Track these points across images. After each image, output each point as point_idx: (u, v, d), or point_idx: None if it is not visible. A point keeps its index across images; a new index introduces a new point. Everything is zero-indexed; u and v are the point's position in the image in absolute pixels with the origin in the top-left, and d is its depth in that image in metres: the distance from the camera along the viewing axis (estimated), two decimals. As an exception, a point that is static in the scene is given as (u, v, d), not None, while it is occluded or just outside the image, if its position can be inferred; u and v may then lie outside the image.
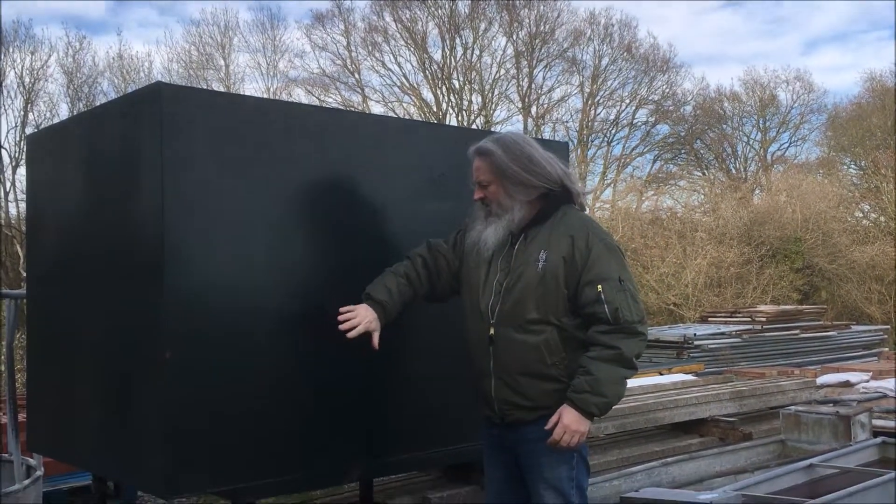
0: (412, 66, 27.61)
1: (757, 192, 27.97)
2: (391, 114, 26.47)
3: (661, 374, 8.31)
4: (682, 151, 29.57)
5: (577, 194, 2.77)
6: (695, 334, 10.53)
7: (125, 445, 2.86)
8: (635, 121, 28.42)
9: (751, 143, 30.42)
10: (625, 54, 27.99)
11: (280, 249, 2.89)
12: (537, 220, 2.70)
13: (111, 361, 2.95)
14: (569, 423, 2.54)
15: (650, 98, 28.43)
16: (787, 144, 30.44)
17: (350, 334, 2.70)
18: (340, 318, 2.72)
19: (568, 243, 2.63)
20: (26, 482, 4.06)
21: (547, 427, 2.56)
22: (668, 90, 28.68)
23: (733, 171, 29.80)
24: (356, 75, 27.80)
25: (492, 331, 2.68)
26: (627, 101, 28.21)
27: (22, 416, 4.24)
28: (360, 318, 2.72)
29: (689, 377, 7.69)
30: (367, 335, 2.73)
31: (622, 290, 2.59)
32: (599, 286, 2.58)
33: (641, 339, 2.59)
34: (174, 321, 2.63)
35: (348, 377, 3.03)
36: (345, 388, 3.02)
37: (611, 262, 2.63)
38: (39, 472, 4.29)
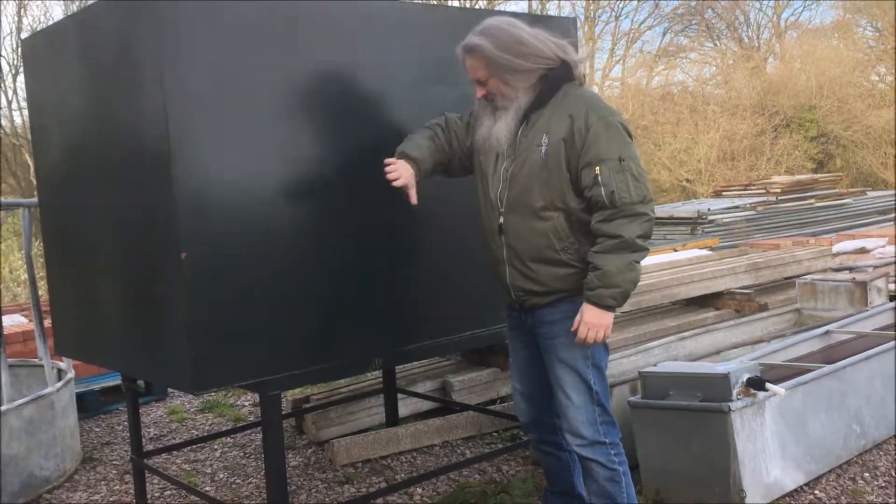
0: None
1: (770, 60, 27.26)
2: (391, -2, 25.69)
3: (676, 251, 8.34)
4: (693, 22, 28.67)
5: (575, 64, 2.66)
6: (709, 209, 10.50)
7: (150, 345, 2.91)
8: (643, -8, 27.46)
9: (763, 9, 29.45)
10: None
11: (289, 140, 2.85)
12: (538, 103, 2.63)
13: (129, 263, 2.96)
14: (590, 319, 2.55)
15: (659, -33, 27.36)
16: (800, 8, 29.50)
17: (395, 184, 2.70)
18: (387, 169, 2.71)
19: (567, 124, 2.57)
20: (58, 385, 4.19)
21: (573, 329, 2.58)
22: (677, -42, 27.56)
23: (745, 40, 28.96)
24: (353, -41, 26.85)
25: (501, 219, 2.67)
26: (635, -29, 27.18)
27: (47, 322, 4.32)
28: (401, 171, 2.71)
29: (704, 252, 7.71)
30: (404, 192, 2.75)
31: (622, 170, 2.52)
32: (597, 168, 2.52)
33: (645, 219, 2.53)
34: (187, 219, 2.62)
35: (369, 265, 3.05)
36: (366, 277, 3.04)
37: (610, 142, 2.55)
38: (70, 375, 4.41)
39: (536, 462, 3.75)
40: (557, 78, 2.64)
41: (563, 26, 3.65)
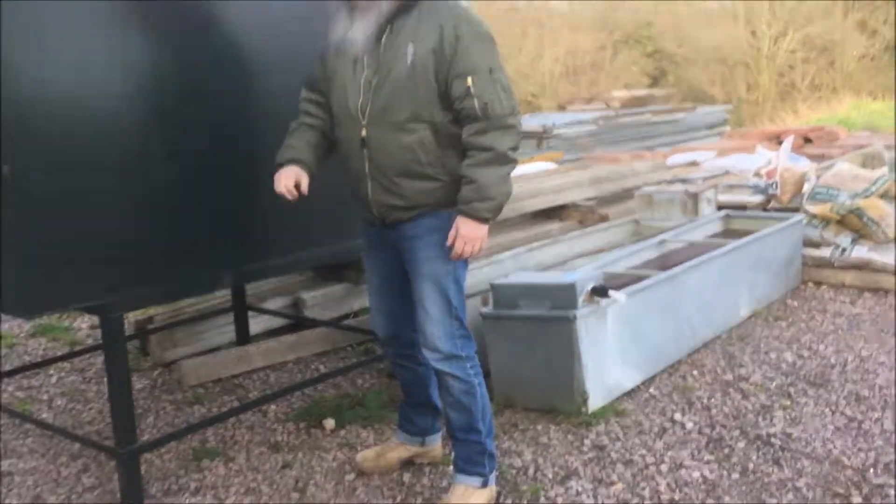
0: None
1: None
2: None
3: (523, 164, 8.51)
4: (539, -66, 28.70)
5: None
6: (553, 123, 10.73)
7: (-27, 268, 2.68)
8: None
9: (607, -77, 29.82)
10: None
11: (122, 44, 2.64)
12: (403, 10, 2.53)
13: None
14: (466, 233, 2.54)
15: None
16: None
17: (288, 197, 2.65)
18: (277, 191, 2.65)
19: (437, 34, 2.49)
20: None
21: (448, 243, 2.57)
22: None
23: (589, -46, 29.34)
24: None
25: (364, 132, 2.58)
26: None
27: None
28: (284, 179, 2.65)
29: (550, 165, 7.91)
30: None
31: (492, 81, 2.50)
32: (469, 78, 2.47)
33: (515, 132, 2.54)
34: (11, 130, 2.39)
35: (214, 181, 2.91)
36: (211, 191, 2.91)
37: (482, 52, 2.51)
38: None
39: (391, 375, 3.80)
40: None
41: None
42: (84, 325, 5.02)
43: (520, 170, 7.58)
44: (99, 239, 2.64)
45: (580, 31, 21.25)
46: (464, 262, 2.71)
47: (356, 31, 2.56)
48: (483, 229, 2.57)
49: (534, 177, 6.82)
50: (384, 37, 2.55)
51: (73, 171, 2.55)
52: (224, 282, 3.18)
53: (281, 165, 2.71)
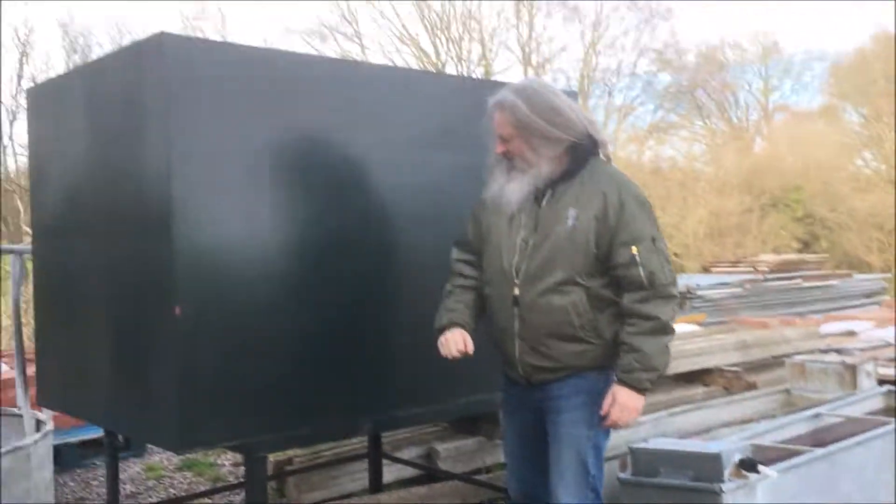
0: (411, 15, 27.22)
1: (758, 140, 27.79)
2: (390, 64, 26.17)
3: (665, 325, 8.32)
4: (684, 101, 29.30)
5: (603, 143, 2.64)
6: (697, 284, 10.53)
7: (137, 400, 2.86)
8: (637, 70, 28.12)
9: (752, 91, 30.13)
10: (627, 2, 27.57)
11: (286, 202, 2.86)
12: (565, 176, 2.57)
13: (121, 316, 2.93)
14: (625, 401, 2.50)
15: (652, 46, 28.09)
16: (788, 92, 30.20)
17: (455, 356, 2.62)
18: (443, 353, 2.64)
19: (600, 201, 2.50)
20: (36, 436, 4.08)
21: (603, 412, 2.52)
22: (670, 38, 28.35)
23: (735, 120, 29.56)
24: (354, 25, 27.40)
25: (516, 291, 2.57)
26: (629, 49, 27.88)
27: (31, 371, 4.24)
28: (451, 342, 2.62)
29: (693, 327, 7.71)
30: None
31: (656, 250, 2.50)
32: (634, 248, 2.47)
33: (676, 301, 2.53)
34: (184, 275, 2.61)
35: (358, 331, 3.02)
36: (355, 342, 3.01)
37: (645, 221, 2.52)
38: (49, 427, 4.31)
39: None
40: (586, 153, 2.59)
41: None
42: (227, 463, 5.18)
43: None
44: (250, 381, 2.77)
45: (725, 194, 21.08)
46: (607, 429, 2.62)
47: (513, 191, 2.58)
48: (641, 399, 2.51)
49: (676, 338, 6.65)
50: (545, 199, 2.58)
51: (232, 316, 2.72)
52: (362, 429, 3.24)
53: (442, 329, 2.68)
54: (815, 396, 4.98)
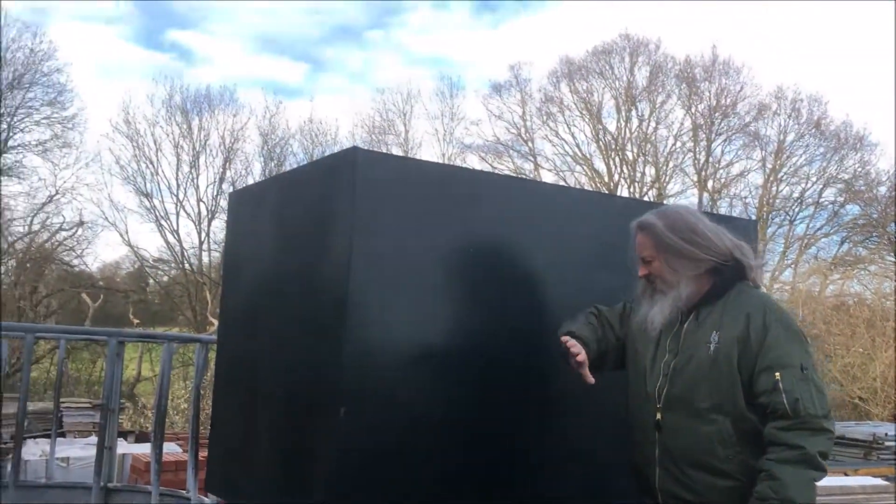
0: (586, 136, 27.75)
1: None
2: (562, 182, 26.57)
3: (847, 475, 7.63)
4: (874, 234, 27.60)
5: (750, 267, 2.56)
6: (886, 434, 9.64)
7: (297, 496, 2.93)
8: (822, 200, 26.96)
9: (952, 227, 27.97)
10: (813, 130, 26.76)
11: (454, 313, 2.91)
12: (709, 298, 2.52)
13: (290, 412, 3.05)
14: None
15: (840, 177, 26.92)
16: None
17: (579, 359, 2.57)
18: (568, 343, 2.60)
19: (743, 323, 2.42)
20: (200, 520, 4.27)
21: None
22: (860, 169, 27.07)
23: (931, 257, 27.45)
24: (530, 144, 28.25)
25: (659, 416, 2.50)
26: (814, 178, 26.88)
27: (202, 455, 4.48)
28: (580, 348, 2.59)
29: (879, 481, 7.01)
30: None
31: (804, 378, 2.35)
32: (777, 373, 2.34)
33: (828, 436, 2.33)
34: (351, 378, 2.69)
35: (518, 444, 2.98)
36: (516, 454, 2.97)
37: (792, 346, 2.39)
38: (212, 512, 4.50)
39: None
40: (731, 276, 2.54)
41: (742, 227, 3.61)
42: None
43: (844, 481, 6.80)
44: (408, 482, 2.77)
45: (919, 336, 19.38)
46: None
47: (655, 314, 2.56)
48: None
49: (861, 492, 6.07)
50: (688, 322, 2.53)
51: (393, 421, 2.76)
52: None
53: (573, 335, 2.65)
54: None
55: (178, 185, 24.63)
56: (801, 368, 2.37)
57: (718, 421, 2.41)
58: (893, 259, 27.35)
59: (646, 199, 25.92)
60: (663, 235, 2.55)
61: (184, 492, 4.85)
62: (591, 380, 2.59)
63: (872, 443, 9.46)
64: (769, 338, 2.39)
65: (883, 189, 27.37)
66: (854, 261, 27.00)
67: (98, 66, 38.92)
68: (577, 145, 27.80)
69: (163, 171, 24.64)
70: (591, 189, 25.91)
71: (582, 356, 2.57)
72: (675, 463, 2.47)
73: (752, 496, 2.34)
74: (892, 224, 27.28)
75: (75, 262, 24.41)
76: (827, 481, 6.58)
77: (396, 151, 26.85)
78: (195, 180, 24.74)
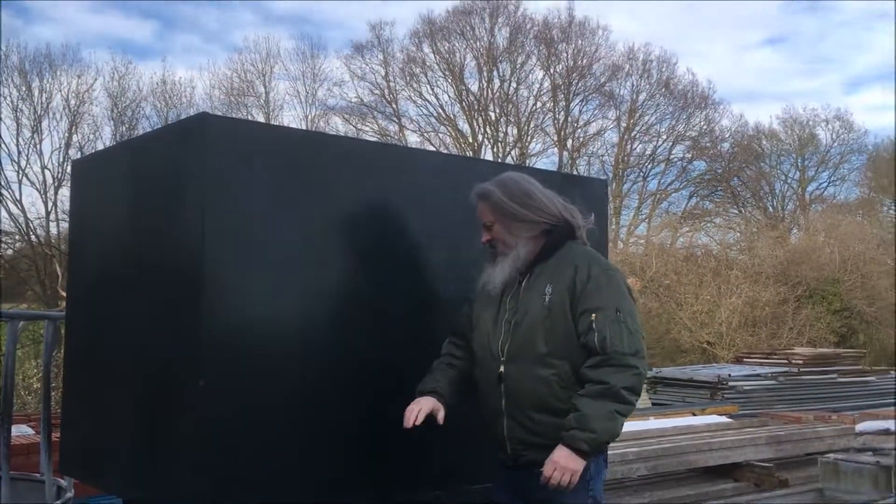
0: (449, 97, 27.90)
1: (794, 231, 27.65)
2: (427, 144, 26.68)
3: (695, 415, 8.18)
4: (719, 188, 29.37)
5: (578, 227, 2.75)
6: (729, 375, 10.38)
7: (157, 473, 2.86)
8: (672, 157, 28.35)
9: (789, 181, 30.19)
10: (663, 90, 27.98)
11: (315, 279, 2.89)
12: (542, 256, 2.70)
13: (146, 386, 2.96)
14: (558, 459, 2.47)
15: (687, 134, 28.37)
16: (825, 184, 30.12)
17: (417, 420, 2.68)
18: (406, 414, 2.71)
19: (570, 273, 2.61)
20: (57, 503, 4.09)
21: (544, 472, 2.49)
22: (705, 127, 28.63)
23: (770, 209, 29.55)
24: (394, 105, 28.14)
25: (502, 368, 2.65)
26: (664, 136, 28.19)
27: (56, 436, 4.28)
28: (420, 405, 2.72)
29: (723, 419, 7.55)
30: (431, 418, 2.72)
31: (616, 320, 2.53)
32: (593, 314, 2.53)
33: (634, 372, 2.50)
34: (209, 349, 2.64)
35: (380, 416, 3.01)
36: (374, 424, 3.00)
37: (610, 292, 2.58)
38: (70, 494, 4.32)
39: None
40: (561, 235, 2.72)
41: (593, 186, 3.76)
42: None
43: (691, 420, 7.28)
44: (272, 457, 2.76)
45: (760, 283, 20.87)
46: None
47: (496, 275, 2.71)
48: (578, 462, 2.47)
49: (706, 430, 6.52)
50: (524, 280, 2.69)
51: (255, 391, 2.72)
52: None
53: (421, 394, 2.78)
54: (848, 497, 4.82)
55: (20, 152, 23.04)
56: (615, 311, 2.55)
57: (557, 365, 2.57)
58: (736, 211, 29.24)
59: (508, 158, 26.45)
60: (500, 201, 2.71)
61: (37, 475, 4.63)
62: (440, 421, 2.72)
63: (717, 383, 10.16)
64: (591, 285, 2.58)
65: (726, 145, 29.10)
66: (701, 214, 28.65)
67: (-79, 22, 35.62)
68: (441, 106, 27.95)
69: (1, 137, 22.97)
70: (455, 151, 26.14)
71: (422, 413, 2.70)
72: (521, 409, 2.61)
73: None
74: (735, 178, 29.09)
75: None
76: (675, 421, 7.03)
77: (257, 114, 26.10)
78: (38, 146, 23.20)
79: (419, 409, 2.71)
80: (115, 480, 3.21)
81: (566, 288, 2.59)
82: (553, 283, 2.62)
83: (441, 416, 2.73)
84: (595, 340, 2.51)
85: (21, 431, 5.82)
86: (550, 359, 2.58)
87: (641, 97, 27.99)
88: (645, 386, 11.56)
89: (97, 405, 3.30)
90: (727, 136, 29.01)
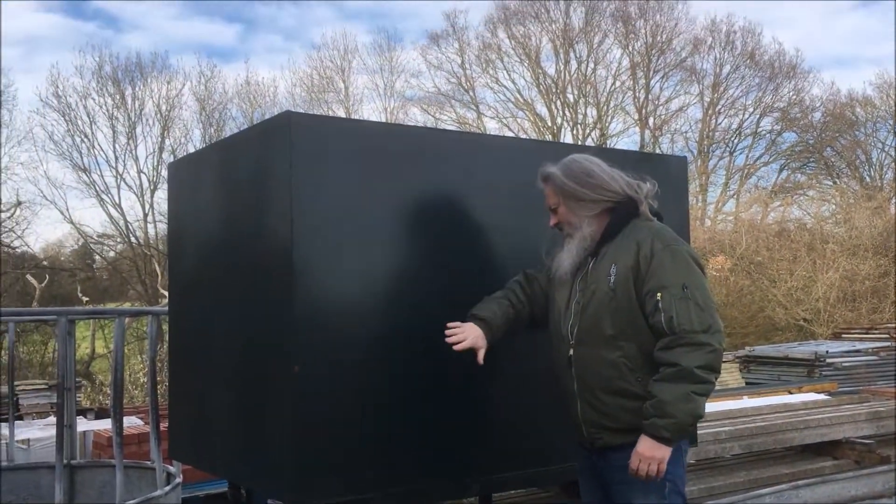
0: (526, 81, 27.74)
1: (894, 200, 26.41)
2: (506, 129, 26.62)
3: (791, 393, 7.98)
4: (811, 160, 28.31)
5: (639, 201, 2.69)
6: (827, 351, 10.05)
7: (257, 455, 3.01)
8: (759, 129, 27.49)
9: (886, 149, 28.79)
10: (748, 61, 27.12)
11: (400, 267, 2.98)
12: (607, 236, 2.66)
13: (245, 374, 3.11)
14: (643, 450, 2.44)
15: (776, 105, 27.44)
16: (926, 149, 28.61)
17: (456, 348, 2.73)
18: (447, 332, 2.75)
19: (634, 252, 2.56)
20: (167, 488, 4.33)
21: (630, 464, 2.48)
22: (795, 97, 27.63)
23: (867, 179, 28.28)
24: (471, 93, 28.15)
25: (571, 351, 2.65)
26: (751, 109, 27.35)
27: (164, 426, 4.52)
28: (466, 333, 2.75)
29: (821, 396, 7.35)
30: (472, 351, 2.75)
31: (684, 297, 2.47)
32: (658, 294, 2.49)
33: (708, 350, 2.43)
34: (302, 336, 2.76)
35: (474, 388, 3.09)
36: (470, 399, 3.08)
37: (676, 269, 2.52)
38: (178, 479, 4.56)
39: None
40: (626, 213, 2.68)
41: (672, 164, 3.73)
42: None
43: (787, 399, 7.12)
44: (366, 438, 2.87)
45: (859, 256, 20.07)
46: (680, 498, 2.55)
47: (564, 258, 2.71)
48: (662, 450, 2.44)
49: (802, 407, 6.37)
50: (591, 262, 2.67)
51: (348, 376, 2.84)
52: (471, 489, 3.27)
53: (474, 317, 2.79)
54: (956, 473, 4.65)
55: (117, 158, 24.08)
56: (682, 287, 2.49)
57: (624, 347, 2.55)
58: (831, 183, 28.12)
59: (588, 141, 26.12)
60: (561, 182, 2.70)
61: (148, 462, 4.90)
62: (480, 361, 2.75)
63: (815, 360, 9.87)
64: (654, 263, 2.53)
65: (817, 115, 28.00)
66: (793, 187, 27.68)
67: (21, 41, 37.55)
68: (518, 91, 27.81)
69: (99, 144, 24.05)
70: (534, 135, 25.99)
71: (464, 343, 2.73)
72: (592, 392, 2.61)
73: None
74: (828, 148, 27.98)
75: (16, 243, 23.83)
76: (771, 399, 6.89)
77: (338, 109, 26.55)
78: (133, 151, 24.20)
79: (463, 339, 2.72)
80: (220, 463, 3.39)
81: (630, 268, 2.56)
82: (617, 264, 2.59)
83: (481, 356, 2.73)
84: (662, 321, 2.47)
85: (131, 422, 6.15)
86: (617, 341, 2.56)
87: (725, 70, 27.22)
88: (737, 364, 11.33)
89: (201, 395, 3.48)
90: (818, 105, 27.93)
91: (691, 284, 2.51)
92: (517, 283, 2.92)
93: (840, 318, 18.77)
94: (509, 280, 2.96)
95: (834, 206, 26.04)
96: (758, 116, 27.36)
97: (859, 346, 10.70)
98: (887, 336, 11.41)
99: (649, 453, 2.44)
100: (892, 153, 28.65)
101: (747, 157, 27.63)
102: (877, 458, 5.39)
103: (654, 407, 2.44)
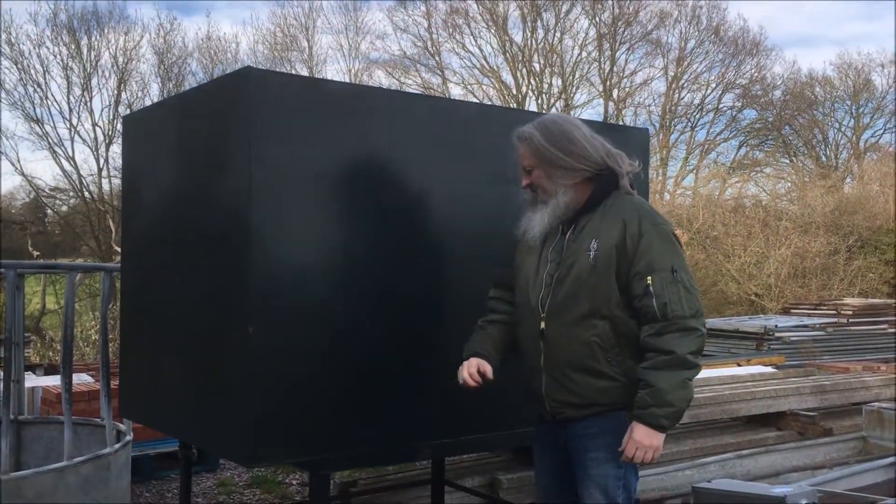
0: (492, 48, 27.51)
1: (848, 180, 26.95)
2: (471, 96, 26.48)
3: (740, 365, 8.16)
4: (770, 138, 28.68)
5: (621, 175, 2.60)
6: (776, 326, 10.27)
7: (210, 415, 2.99)
8: (721, 105, 27.72)
9: (843, 129, 29.30)
10: (712, 37, 27.26)
11: (357, 228, 2.96)
12: (588, 207, 2.58)
13: (198, 333, 3.08)
14: (640, 439, 2.42)
15: (737, 82, 27.66)
16: (881, 131, 29.17)
17: (470, 382, 2.64)
18: (461, 380, 2.66)
19: (619, 230, 2.49)
20: (116, 446, 4.28)
21: (621, 448, 2.46)
22: (756, 74, 27.84)
23: (823, 158, 28.79)
24: (436, 57, 27.87)
25: (542, 325, 2.57)
26: (713, 85, 27.53)
27: (114, 383, 4.47)
28: (465, 367, 2.66)
29: (769, 369, 7.52)
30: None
31: (674, 281, 2.43)
32: (649, 278, 2.43)
33: (697, 335, 2.42)
34: (257, 296, 2.74)
35: (424, 355, 3.10)
36: (418, 367, 3.09)
37: (665, 252, 2.47)
38: (129, 437, 4.51)
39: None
40: (607, 184, 2.59)
41: (634, 136, 3.75)
42: (295, 482, 5.30)
43: (736, 371, 7.27)
44: (319, 400, 2.87)
45: (811, 234, 20.48)
46: (634, 468, 2.55)
47: (536, 223, 2.62)
48: (659, 437, 2.43)
49: (749, 379, 6.51)
50: (569, 232, 2.60)
51: (301, 337, 2.83)
52: (423, 453, 3.30)
53: (470, 354, 2.71)
54: (893, 445, 4.81)
55: (71, 110, 23.44)
56: (671, 271, 2.45)
57: (598, 325, 2.49)
58: (787, 161, 28.57)
59: (553, 110, 26.12)
60: (540, 145, 2.59)
61: (98, 420, 4.84)
62: (490, 376, 2.66)
63: (764, 334, 10.08)
64: (643, 244, 2.47)
65: (778, 93, 28.31)
66: (751, 164, 28.06)
67: (-28, -17, 36.18)
68: (485, 57, 27.60)
69: (52, 95, 23.39)
70: (499, 103, 25.91)
71: (472, 379, 2.63)
72: (559, 368, 2.55)
73: (634, 404, 2.45)
74: (787, 127, 28.37)
75: (-36, 194, 23.17)
76: (719, 371, 7.03)
77: (301, 68, 26.12)
78: (89, 104, 23.57)
79: (468, 372, 2.64)
80: (171, 423, 3.36)
81: (614, 245, 2.49)
82: (599, 239, 2.51)
83: (489, 371, 2.66)
84: (654, 306, 2.42)
85: (81, 379, 6.06)
86: (592, 319, 2.49)
87: (690, 44, 27.32)
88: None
89: (153, 353, 3.44)
90: (779, 83, 28.24)
91: (679, 267, 2.47)
92: (493, 300, 2.83)
93: (790, 293, 19.18)
94: (485, 298, 2.86)
95: (789, 184, 26.50)
96: (720, 92, 27.58)
97: (807, 321, 10.95)
98: (834, 312, 11.70)
99: (647, 441, 2.42)
100: (849, 133, 29.18)
101: (708, 132, 27.89)
102: (819, 430, 5.55)
103: (652, 396, 2.40)
